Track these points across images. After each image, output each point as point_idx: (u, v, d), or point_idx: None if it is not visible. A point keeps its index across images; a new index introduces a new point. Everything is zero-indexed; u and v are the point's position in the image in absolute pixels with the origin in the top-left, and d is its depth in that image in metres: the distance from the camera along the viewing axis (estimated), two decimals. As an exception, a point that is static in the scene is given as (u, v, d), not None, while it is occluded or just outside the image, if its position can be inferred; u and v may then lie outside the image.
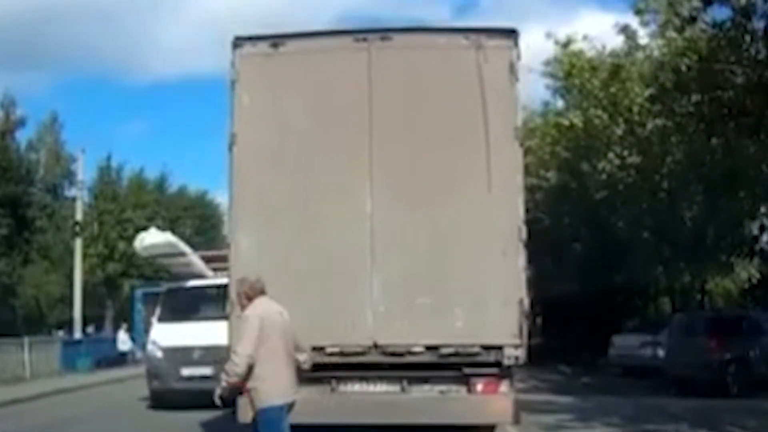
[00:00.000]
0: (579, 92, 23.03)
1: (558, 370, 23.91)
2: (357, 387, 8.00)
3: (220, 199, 47.12)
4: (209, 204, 46.41)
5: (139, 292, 25.73)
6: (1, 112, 36.44)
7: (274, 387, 6.02)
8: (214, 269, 14.66)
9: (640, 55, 21.29)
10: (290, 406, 6.21)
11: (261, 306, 6.20)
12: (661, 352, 18.93)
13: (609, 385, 18.74)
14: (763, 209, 23.01)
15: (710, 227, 22.96)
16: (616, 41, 21.60)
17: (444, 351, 7.73)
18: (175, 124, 72.07)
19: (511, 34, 8.10)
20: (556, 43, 22.90)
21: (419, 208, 7.89)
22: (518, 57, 8.06)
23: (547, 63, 23.69)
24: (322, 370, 7.74)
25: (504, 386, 7.83)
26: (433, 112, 8.02)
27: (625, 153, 21.84)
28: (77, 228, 30.35)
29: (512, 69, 7.98)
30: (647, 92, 19.87)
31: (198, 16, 67.95)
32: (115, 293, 36.22)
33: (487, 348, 7.72)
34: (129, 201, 37.08)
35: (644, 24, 19.38)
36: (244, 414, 7.69)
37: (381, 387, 7.98)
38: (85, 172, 32.97)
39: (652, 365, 19.09)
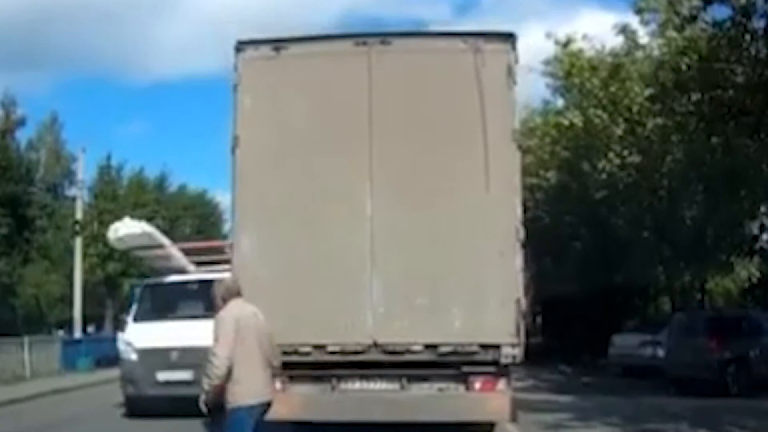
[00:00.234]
0: (579, 92, 23.03)
1: (558, 370, 23.92)
2: (357, 385, 8.09)
3: (220, 198, 47.22)
4: (209, 203, 46.45)
5: (137, 290, 25.65)
6: (2, 111, 36.42)
7: (248, 387, 6.07)
8: (197, 263, 14.05)
9: (640, 54, 21.31)
10: (266, 407, 6.27)
11: (236, 308, 6.27)
12: (661, 352, 18.93)
13: (609, 385, 18.73)
14: (763, 209, 23.04)
15: (710, 227, 22.98)
16: (616, 41, 21.65)
17: (442, 350, 7.84)
18: (175, 124, 72.12)
19: (509, 37, 8.22)
20: (556, 43, 22.93)
21: (418, 209, 7.99)
22: (516, 60, 8.17)
23: (547, 62, 23.72)
24: (323, 369, 7.90)
25: (501, 384, 7.93)
26: (432, 115, 8.12)
27: (625, 152, 21.85)
28: (77, 227, 30.36)
29: (510, 72, 8.10)
30: (647, 92, 19.88)
31: (198, 16, 68.05)
32: (115, 293, 36.20)
33: (484, 347, 7.81)
34: (129, 200, 37.07)
35: (644, 23, 19.43)
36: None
37: (381, 385, 8.07)
38: (85, 171, 33.02)
39: (652, 365, 19.08)
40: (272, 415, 7.63)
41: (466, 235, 7.91)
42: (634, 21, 20.16)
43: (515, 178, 8.03)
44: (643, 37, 20.73)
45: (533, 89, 30.65)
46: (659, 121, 20.31)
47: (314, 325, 7.88)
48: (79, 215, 30.64)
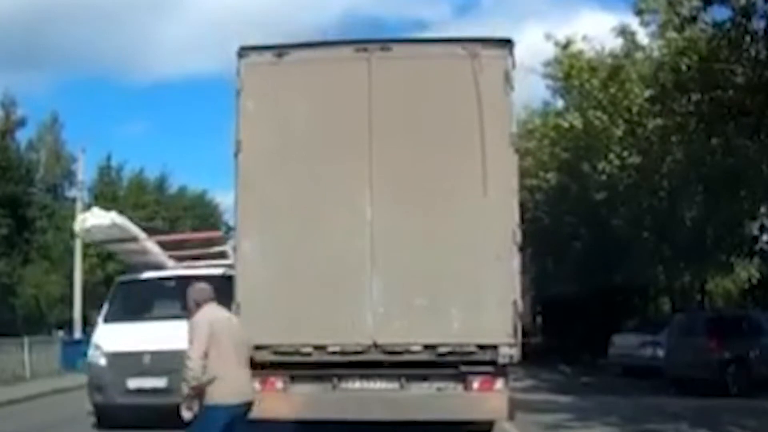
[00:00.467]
0: (579, 93, 23.05)
1: (558, 370, 23.94)
2: (358, 384, 8.19)
3: (220, 198, 47.22)
4: (209, 203, 46.44)
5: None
6: (2, 111, 36.42)
7: (227, 386, 6.12)
8: (177, 258, 13.18)
9: (639, 55, 21.33)
10: (247, 408, 6.32)
11: (210, 312, 6.35)
12: (660, 352, 18.95)
13: (609, 385, 18.75)
14: (763, 209, 23.03)
15: (710, 227, 22.99)
16: (616, 42, 21.69)
17: (441, 350, 7.95)
18: (175, 124, 72.00)
19: (506, 43, 8.34)
20: (556, 44, 22.95)
21: (417, 213, 8.11)
22: (513, 66, 8.29)
23: (547, 64, 23.75)
24: (324, 368, 8.03)
25: (499, 384, 8.04)
26: (431, 120, 8.24)
27: (625, 153, 21.87)
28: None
29: (507, 77, 8.22)
30: (647, 92, 19.90)
31: (198, 16, 67.98)
32: (115, 293, 36.14)
33: (482, 347, 7.93)
34: (129, 201, 37.07)
35: (645, 24, 19.45)
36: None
37: (381, 384, 8.18)
38: (85, 172, 33.01)
39: (652, 365, 19.11)
40: (274, 414, 7.97)
41: (464, 237, 8.03)
42: (634, 22, 20.22)
43: (513, 182, 8.16)
44: (643, 38, 20.79)
45: (533, 90, 30.71)
46: (659, 121, 20.32)
47: (315, 326, 8.00)
48: (79, 216, 30.59)
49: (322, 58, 8.47)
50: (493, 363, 7.95)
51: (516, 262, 8.01)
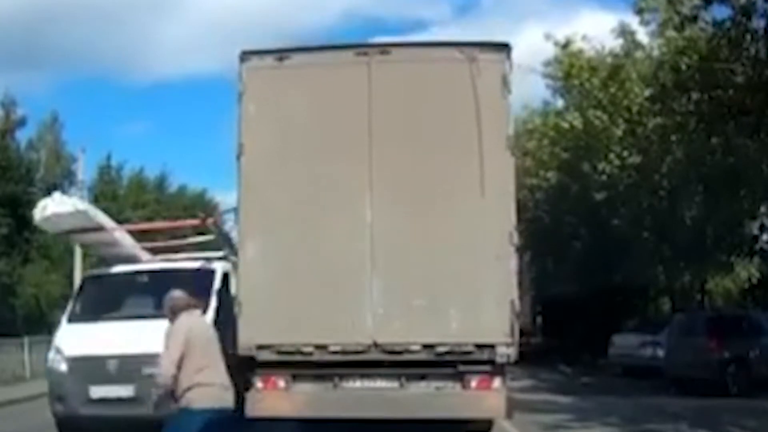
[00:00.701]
0: (579, 92, 23.05)
1: (558, 370, 23.95)
2: (358, 383, 8.31)
3: (220, 198, 47.15)
4: (209, 203, 46.40)
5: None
6: (2, 111, 36.38)
7: (204, 392, 6.16)
8: (153, 250, 12.42)
9: (639, 54, 21.32)
10: (225, 415, 6.31)
11: (186, 321, 6.41)
12: (660, 352, 18.95)
13: (609, 385, 18.75)
14: (763, 209, 23.03)
15: (710, 227, 22.98)
16: (616, 41, 21.68)
17: (439, 349, 8.06)
18: (175, 124, 71.86)
19: (504, 47, 8.44)
20: (555, 44, 22.95)
21: (416, 215, 8.23)
22: (510, 69, 8.39)
23: (547, 64, 23.74)
24: (325, 368, 8.18)
25: (497, 382, 8.15)
26: (430, 123, 8.35)
27: (625, 153, 21.87)
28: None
29: (505, 81, 8.31)
30: (647, 92, 19.91)
31: (198, 16, 67.92)
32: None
33: (480, 346, 8.04)
34: (129, 201, 37.09)
35: (644, 23, 19.43)
36: (252, 408, 8.15)
37: (381, 383, 8.30)
38: (85, 171, 33.01)
39: (652, 365, 19.11)
40: (276, 412, 8.24)
41: (462, 238, 8.15)
42: (634, 21, 20.20)
43: (510, 184, 8.26)
44: (642, 37, 20.78)
45: (533, 90, 30.72)
46: (659, 121, 20.32)
47: (316, 326, 8.11)
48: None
49: (322, 61, 8.59)
50: (490, 362, 8.06)
51: (513, 262, 8.14)
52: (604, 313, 27.09)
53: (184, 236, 14.59)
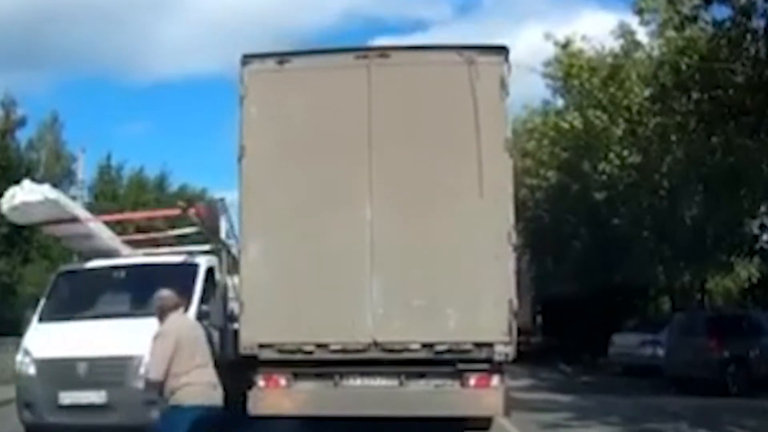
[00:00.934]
0: (578, 92, 23.05)
1: (558, 369, 23.95)
2: (359, 381, 8.43)
3: (219, 197, 47.10)
4: (208, 203, 46.37)
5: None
6: (2, 111, 36.36)
7: (193, 390, 6.24)
8: (135, 244, 11.81)
9: (639, 54, 21.32)
10: (215, 413, 6.39)
11: (175, 322, 6.49)
12: (660, 352, 18.96)
13: (609, 384, 18.75)
14: (763, 208, 23.03)
15: (710, 227, 22.97)
16: (616, 41, 21.68)
17: (439, 348, 8.19)
18: (175, 124, 71.82)
19: (502, 50, 8.56)
20: (555, 44, 22.96)
21: (415, 215, 8.35)
22: (508, 72, 8.51)
23: (547, 64, 23.75)
24: (326, 366, 8.31)
25: (495, 380, 8.27)
26: (429, 125, 8.47)
27: (625, 153, 21.86)
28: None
29: (503, 84, 8.43)
30: (647, 91, 19.92)
31: (198, 16, 67.92)
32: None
33: (478, 345, 8.16)
34: (129, 200, 37.09)
35: (644, 23, 19.44)
36: (254, 406, 8.31)
37: (381, 381, 8.41)
38: (85, 171, 33.09)
39: (652, 364, 19.11)
40: (278, 410, 8.39)
41: (460, 239, 8.26)
42: (633, 21, 20.21)
43: (508, 185, 8.38)
44: (642, 37, 20.78)
45: (533, 90, 30.74)
46: (659, 120, 20.33)
47: (317, 325, 8.24)
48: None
49: (322, 65, 8.71)
50: (488, 360, 8.18)
51: (511, 262, 8.25)
52: (604, 313, 27.09)
53: (174, 227, 13.82)
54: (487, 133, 8.27)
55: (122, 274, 10.36)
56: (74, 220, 10.65)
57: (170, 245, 12.56)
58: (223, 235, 10.84)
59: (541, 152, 25.29)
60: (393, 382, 8.34)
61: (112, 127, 64.11)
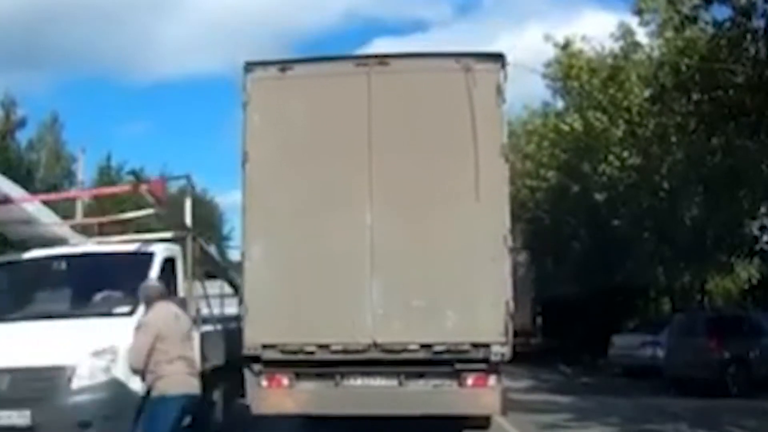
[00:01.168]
0: (578, 94, 23.07)
1: (558, 370, 23.92)
2: (359, 381, 8.60)
3: (220, 198, 47.18)
4: (209, 203, 46.41)
5: None
6: (2, 111, 36.38)
7: (174, 380, 6.45)
8: (88, 230, 10.70)
9: (639, 55, 21.33)
10: (194, 401, 6.65)
11: (159, 312, 6.62)
12: (660, 352, 18.93)
13: (609, 385, 18.74)
14: (763, 209, 23.03)
15: (710, 227, 22.97)
16: (616, 42, 21.68)
17: (437, 348, 8.37)
18: (175, 124, 71.93)
19: (498, 57, 8.76)
20: (555, 45, 22.96)
21: (414, 219, 8.54)
22: (505, 78, 8.69)
23: (547, 65, 23.77)
24: (327, 366, 8.48)
25: (492, 380, 8.44)
26: (427, 131, 8.66)
27: (625, 154, 21.87)
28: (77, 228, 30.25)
29: (499, 90, 8.63)
30: (647, 92, 19.93)
31: (198, 16, 67.96)
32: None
33: (476, 345, 8.34)
34: (129, 201, 37.02)
35: (644, 24, 19.45)
36: (257, 405, 8.55)
37: (380, 381, 8.58)
38: (85, 172, 33.01)
39: (652, 365, 19.09)
40: (280, 409, 8.60)
41: (458, 242, 8.43)
42: (633, 22, 20.22)
43: (504, 189, 8.58)
44: (642, 37, 20.79)
45: (533, 91, 30.74)
46: (659, 121, 20.33)
47: (318, 327, 8.42)
48: (79, 216, 30.56)
49: (323, 72, 8.90)
50: (486, 361, 8.33)
51: (507, 264, 8.43)
52: (604, 314, 27.07)
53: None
54: (484, 139, 8.44)
55: (62, 265, 8.73)
56: (6, 201, 8.77)
57: (137, 232, 10.84)
58: (188, 219, 9.19)
59: (541, 154, 25.30)
60: (392, 382, 8.48)
61: (112, 127, 64.26)
